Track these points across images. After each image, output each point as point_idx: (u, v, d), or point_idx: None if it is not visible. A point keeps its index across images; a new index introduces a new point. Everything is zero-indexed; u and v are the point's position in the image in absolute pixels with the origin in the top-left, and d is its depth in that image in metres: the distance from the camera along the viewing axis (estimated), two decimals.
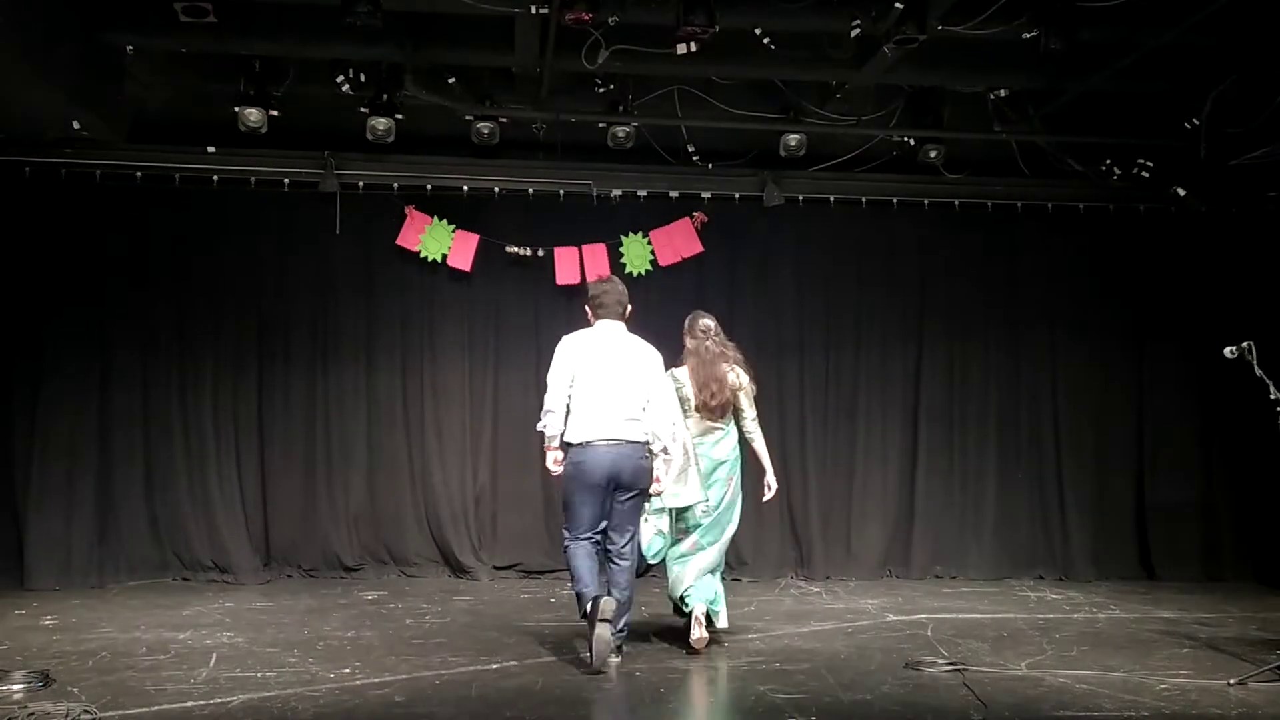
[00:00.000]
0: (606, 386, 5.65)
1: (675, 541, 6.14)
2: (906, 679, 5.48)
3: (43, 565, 7.90)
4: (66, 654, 5.82)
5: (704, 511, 6.11)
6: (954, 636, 6.51)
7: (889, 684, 5.36)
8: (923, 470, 8.91)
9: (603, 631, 5.32)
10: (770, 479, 6.28)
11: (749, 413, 6.28)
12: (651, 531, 6.07)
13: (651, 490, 5.79)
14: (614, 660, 5.56)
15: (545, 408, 5.68)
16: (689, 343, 6.31)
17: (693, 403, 6.16)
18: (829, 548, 8.80)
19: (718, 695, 5.14)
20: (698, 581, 6.04)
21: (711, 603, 6.08)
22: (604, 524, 5.62)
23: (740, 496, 6.29)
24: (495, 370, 8.72)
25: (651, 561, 6.25)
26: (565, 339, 5.88)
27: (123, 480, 8.19)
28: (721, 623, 6.15)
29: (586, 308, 6.00)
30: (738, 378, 6.25)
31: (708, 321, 6.34)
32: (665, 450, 5.73)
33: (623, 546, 5.66)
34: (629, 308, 5.96)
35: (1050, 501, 8.98)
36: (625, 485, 5.62)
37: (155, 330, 8.33)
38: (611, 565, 5.67)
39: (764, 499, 6.38)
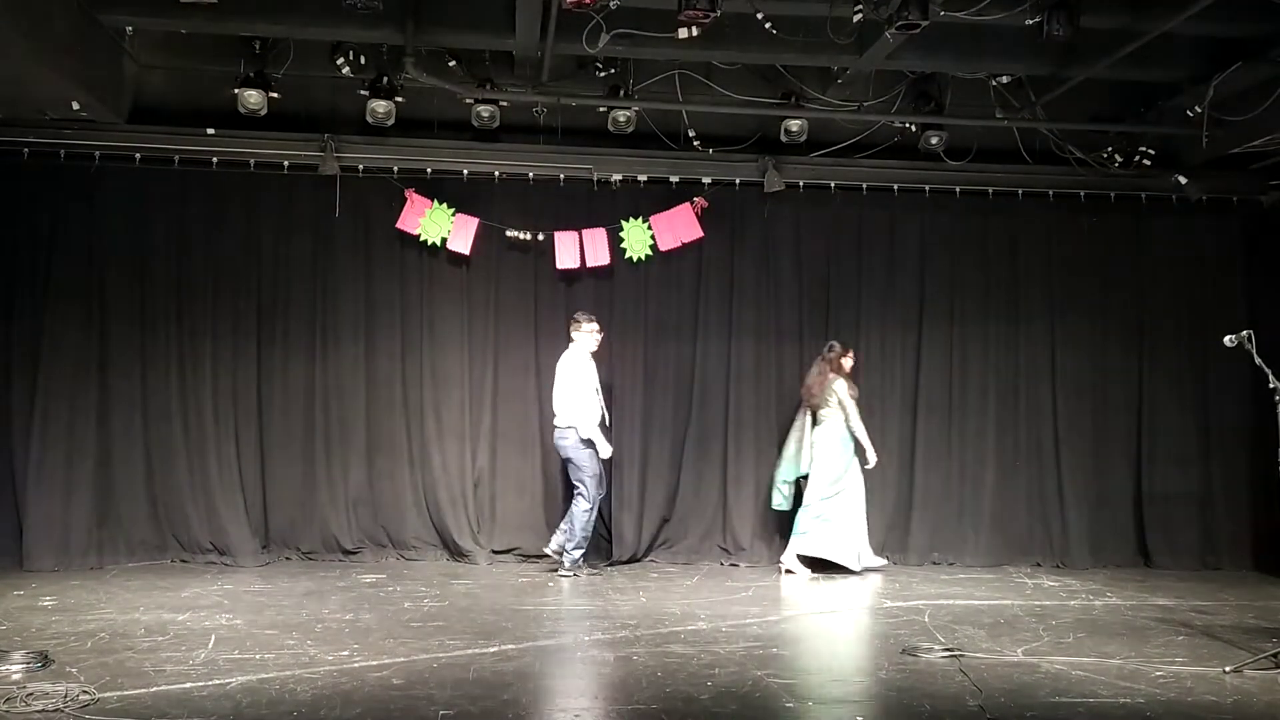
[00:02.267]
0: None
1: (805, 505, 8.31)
2: (903, 664, 5.50)
3: (42, 546, 7.92)
4: (65, 635, 5.84)
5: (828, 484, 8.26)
6: (951, 623, 6.53)
7: (886, 669, 5.38)
8: (921, 457, 8.93)
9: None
10: (869, 455, 8.28)
11: (851, 412, 8.27)
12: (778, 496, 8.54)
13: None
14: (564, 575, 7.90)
15: None
16: None
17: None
18: None
19: (715, 679, 5.16)
20: (808, 531, 8.22)
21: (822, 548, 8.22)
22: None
23: (842, 472, 8.26)
24: (494, 354, 8.72)
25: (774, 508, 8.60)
26: None
27: (122, 462, 8.20)
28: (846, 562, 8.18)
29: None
30: (837, 386, 8.30)
31: (833, 344, 8.44)
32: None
33: (574, 492, 8.09)
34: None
35: (1048, 489, 8.99)
36: (562, 456, 8.10)
37: (154, 312, 8.32)
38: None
39: (867, 467, 8.33)
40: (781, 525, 8.79)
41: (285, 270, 8.54)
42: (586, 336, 8.15)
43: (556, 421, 8.07)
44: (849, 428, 8.30)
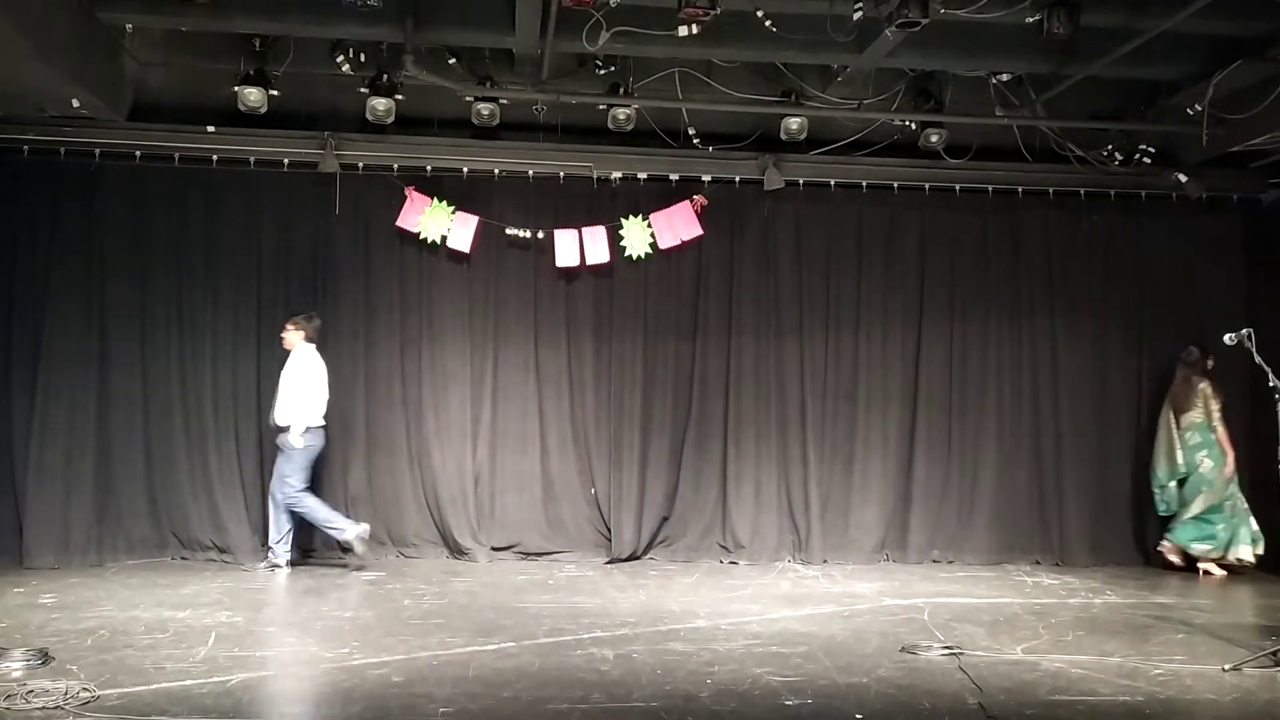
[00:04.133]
0: None
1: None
2: (903, 662, 5.50)
3: (42, 544, 7.92)
4: (65, 632, 5.85)
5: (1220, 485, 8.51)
6: (950, 621, 6.54)
7: (885, 667, 5.38)
8: (921, 455, 8.92)
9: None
10: (1228, 462, 8.53)
11: (1216, 413, 8.54)
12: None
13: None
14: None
15: None
16: None
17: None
18: (827, 531, 8.81)
19: (714, 677, 5.16)
20: (1186, 530, 8.54)
21: (1203, 545, 8.48)
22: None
23: (1213, 475, 8.51)
24: (494, 352, 8.71)
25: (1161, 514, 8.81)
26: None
27: (122, 460, 8.20)
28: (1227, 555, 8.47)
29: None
30: (1203, 388, 8.58)
31: (1191, 349, 8.66)
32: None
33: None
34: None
35: (1048, 487, 8.98)
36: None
37: (154, 310, 8.31)
38: None
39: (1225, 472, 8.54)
40: (778, 522, 8.81)
41: (285, 268, 8.53)
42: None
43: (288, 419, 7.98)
44: (1213, 427, 8.57)
